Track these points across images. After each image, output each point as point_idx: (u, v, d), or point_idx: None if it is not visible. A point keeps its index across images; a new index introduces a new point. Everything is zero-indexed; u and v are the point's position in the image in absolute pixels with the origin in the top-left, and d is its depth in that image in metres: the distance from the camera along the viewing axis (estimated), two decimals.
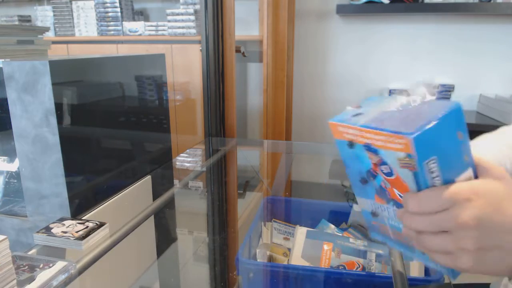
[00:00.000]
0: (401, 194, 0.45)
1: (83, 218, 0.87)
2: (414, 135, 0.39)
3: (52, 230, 0.79)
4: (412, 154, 0.40)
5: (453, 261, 0.42)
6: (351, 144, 0.48)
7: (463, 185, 0.41)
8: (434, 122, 0.40)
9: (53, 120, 0.86)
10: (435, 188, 0.41)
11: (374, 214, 0.52)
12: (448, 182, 0.42)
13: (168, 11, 2.47)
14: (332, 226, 0.94)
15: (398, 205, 0.47)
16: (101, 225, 0.82)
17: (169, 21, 2.48)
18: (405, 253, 0.51)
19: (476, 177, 0.44)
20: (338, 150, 0.50)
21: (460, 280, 0.56)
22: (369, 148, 0.45)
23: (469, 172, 0.44)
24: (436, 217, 0.41)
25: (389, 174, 0.45)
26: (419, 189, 0.43)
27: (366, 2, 2.19)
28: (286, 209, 0.99)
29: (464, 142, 0.43)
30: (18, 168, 0.94)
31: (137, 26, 2.60)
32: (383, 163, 0.45)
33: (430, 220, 0.42)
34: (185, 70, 2.36)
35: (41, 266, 0.67)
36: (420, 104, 0.45)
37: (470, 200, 0.40)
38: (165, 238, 1.06)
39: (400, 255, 0.72)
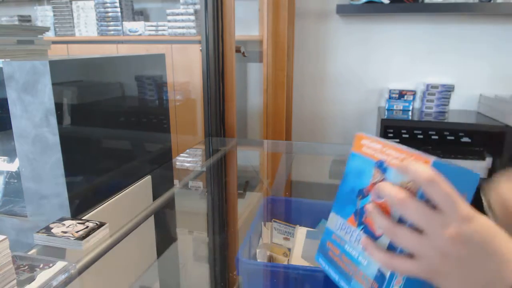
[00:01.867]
0: None
1: (83, 218, 0.87)
2: (434, 160, 0.39)
3: (52, 230, 0.79)
4: None
5: (412, 265, 0.40)
6: (364, 159, 0.47)
7: (468, 206, 0.40)
8: (454, 165, 0.40)
9: (53, 120, 0.86)
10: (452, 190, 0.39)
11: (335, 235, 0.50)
12: None
13: (168, 11, 2.47)
14: None
15: (366, 231, 0.45)
16: (101, 225, 0.82)
17: (169, 21, 2.48)
18: (341, 283, 0.48)
19: None
20: (347, 163, 0.49)
21: None
22: (380, 165, 0.44)
23: None
24: (428, 211, 0.39)
25: (381, 197, 0.44)
26: (400, 221, 0.41)
27: (366, 2, 2.19)
28: (286, 209, 0.99)
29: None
30: (18, 168, 0.94)
31: (137, 26, 2.60)
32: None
33: (420, 209, 0.39)
34: (185, 70, 2.36)
35: (41, 266, 0.67)
36: None
37: (469, 219, 0.39)
38: (165, 238, 1.06)
39: None
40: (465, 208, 0.39)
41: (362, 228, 0.46)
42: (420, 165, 0.39)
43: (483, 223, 0.39)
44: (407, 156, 0.42)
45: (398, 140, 2.22)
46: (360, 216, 0.47)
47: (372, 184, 0.45)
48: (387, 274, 0.43)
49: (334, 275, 0.49)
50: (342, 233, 0.49)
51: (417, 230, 0.40)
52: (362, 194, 0.47)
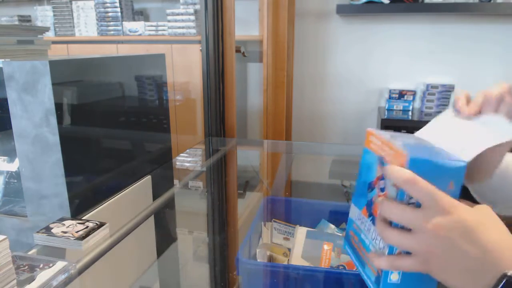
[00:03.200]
0: None
1: (83, 218, 0.87)
2: (411, 155, 0.41)
3: (52, 230, 0.79)
4: None
5: (410, 261, 0.43)
6: (368, 152, 0.50)
7: (448, 199, 0.41)
8: (433, 161, 0.42)
9: (53, 120, 0.86)
10: (429, 185, 0.41)
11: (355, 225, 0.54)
12: None
13: (168, 11, 2.47)
14: (332, 226, 0.94)
15: (374, 222, 0.47)
16: (101, 225, 0.82)
17: (169, 21, 2.48)
18: (360, 269, 0.51)
19: None
20: (361, 158, 0.53)
21: None
22: (381, 161, 0.47)
23: None
24: (409, 210, 0.42)
25: (383, 189, 0.47)
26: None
27: (366, 2, 2.19)
28: (286, 209, 0.99)
29: (453, 193, 0.42)
30: (18, 168, 0.94)
31: (137, 26, 2.60)
32: (382, 178, 0.47)
33: (401, 210, 0.42)
34: (185, 70, 2.36)
35: (41, 266, 0.67)
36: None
37: (449, 212, 0.40)
38: (165, 238, 1.06)
39: None
40: (446, 201, 0.41)
41: (371, 219, 0.48)
42: (397, 169, 0.42)
43: (464, 213, 0.41)
44: (394, 152, 0.44)
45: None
46: (369, 208, 0.49)
47: (376, 178, 0.48)
48: None
49: (356, 261, 0.52)
50: (359, 222, 0.52)
51: (407, 229, 0.43)
52: (370, 187, 0.50)
